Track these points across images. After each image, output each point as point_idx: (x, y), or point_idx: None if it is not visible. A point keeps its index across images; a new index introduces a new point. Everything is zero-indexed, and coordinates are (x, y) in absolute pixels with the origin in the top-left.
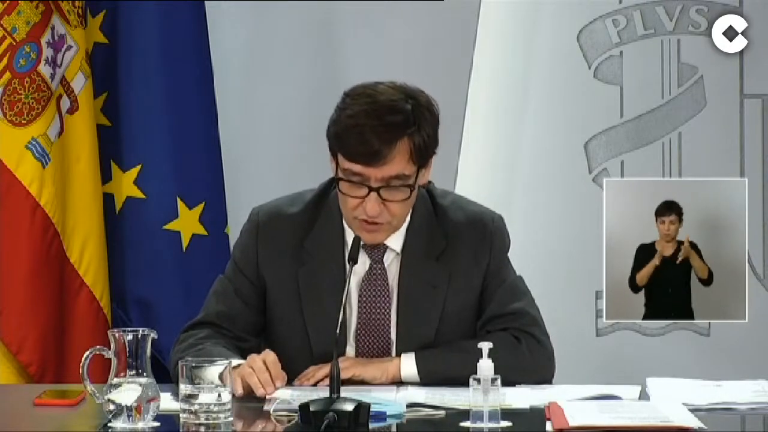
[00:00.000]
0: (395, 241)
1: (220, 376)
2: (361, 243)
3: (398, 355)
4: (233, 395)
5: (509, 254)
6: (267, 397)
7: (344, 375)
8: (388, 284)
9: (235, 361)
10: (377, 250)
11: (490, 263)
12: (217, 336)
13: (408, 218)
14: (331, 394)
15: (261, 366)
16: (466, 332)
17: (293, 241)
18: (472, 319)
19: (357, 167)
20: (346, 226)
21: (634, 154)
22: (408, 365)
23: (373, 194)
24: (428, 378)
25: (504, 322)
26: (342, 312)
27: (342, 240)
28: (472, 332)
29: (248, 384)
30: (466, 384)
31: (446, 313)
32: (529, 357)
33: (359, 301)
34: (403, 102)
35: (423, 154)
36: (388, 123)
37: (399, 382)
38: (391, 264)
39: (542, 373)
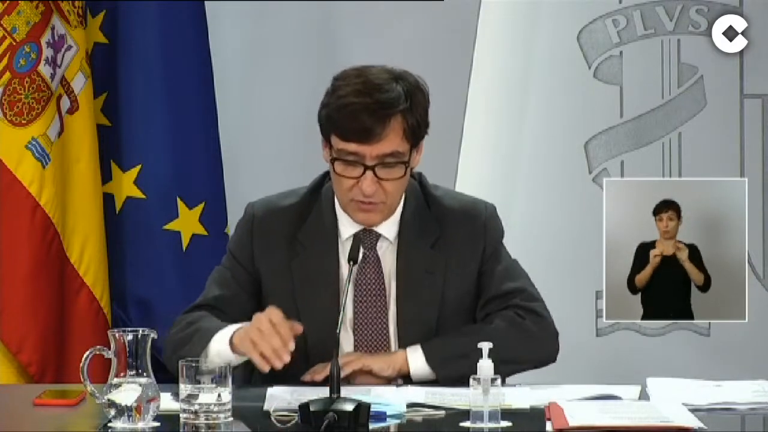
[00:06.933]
0: (388, 229)
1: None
2: (358, 230)
3: (400, 344)
4: (232, 396)
5: (508, 249)
6: (267, 395)
7: (353, 366)
8: (382, 273)
9: (234, 326)
10: (370, 238)
11: (486, 248)
12: (212, 317)
13: (400, 207)
14: (331, 394)
15: (269, 328)
16: (466, 319)
17: (287, 233)
18: (471, 306)
19: (352, 146)
20: (339, 217)
21: (634, 154)
22: (416, 358)
23: (369, 173)
24: (439, 366)
25: (503, 301)
26: (342, 310)
27: (335, 231)
28: (472, 319)
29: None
30: (470, 372)
31: (445, 300)
32: (535, 331)
33: (354, 290)
34: (393, 82)
35: (416, 133)
36: (380, 100)
37: (404, 376)
38: (386, 252)
39: (548, 348)
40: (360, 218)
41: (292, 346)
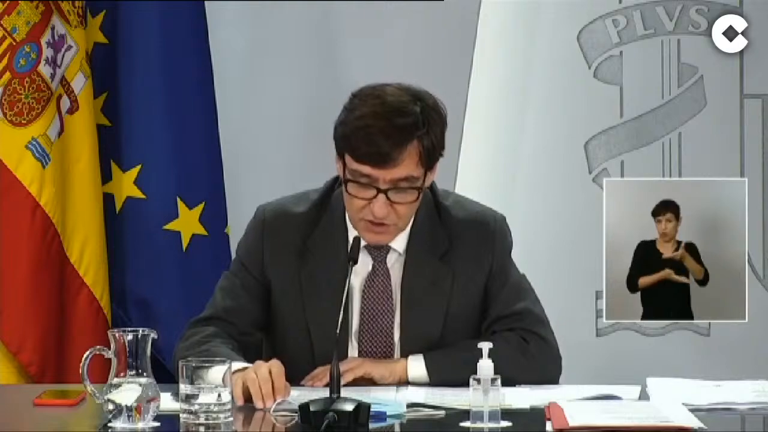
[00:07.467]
0: (399, 242)
1: (222, 378)
2: (364, 244)
3: (404, 355)
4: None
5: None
6: None
7: (354, 374)
8: (390, 285)
9: (237, 365)
10: (380, 251)
11: (493, 264)
12: (223, 334)
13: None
14: (331, 394)
15: (265, 375)
16: (471, 333)
17: (298, 240)
18: (476, 320)
19: (365, 168)
20: (348, 225)
21: (634, 154)
22: (416, 367)
23: (381, 196)
24: (438, 379)
25: (509, 322)
26: (343, 312)
27: (345, 240)
28: (476, 333)
29: (248, 391)
30: (468, 384)
31: (450, 313)
32: (538, 357)
33: (362, 302)
34: (411, 104)
35: (431, 157)
36: (398, 125)
37: (404, 383)
38: (394, 264)
39: (551, 373)
40: (370, 239)
41: (279, 398)
